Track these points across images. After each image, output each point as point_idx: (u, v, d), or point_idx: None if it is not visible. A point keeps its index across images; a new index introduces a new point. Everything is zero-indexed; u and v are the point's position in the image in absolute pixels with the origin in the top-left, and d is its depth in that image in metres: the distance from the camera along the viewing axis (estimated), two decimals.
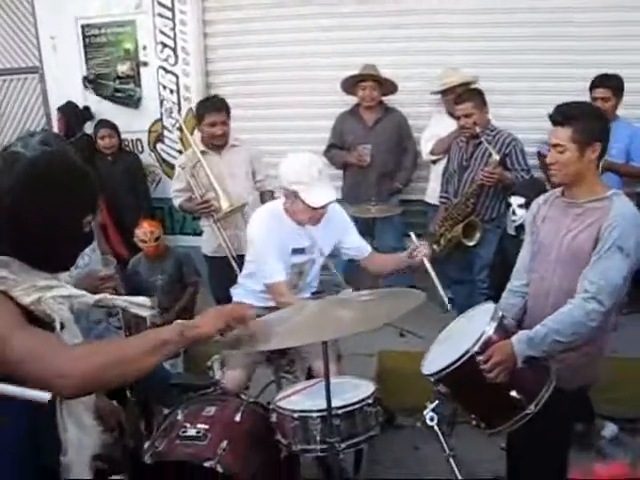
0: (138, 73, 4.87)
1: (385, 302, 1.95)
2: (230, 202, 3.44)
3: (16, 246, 1.28)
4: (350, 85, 4.20)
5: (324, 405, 1.83)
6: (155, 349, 1.30)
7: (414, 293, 1.92)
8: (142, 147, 4.98)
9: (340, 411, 1.92)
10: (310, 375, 2.55)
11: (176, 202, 3.69)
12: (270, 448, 2.05)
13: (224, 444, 1.95)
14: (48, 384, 1.16)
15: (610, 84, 3.57)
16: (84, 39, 4.92)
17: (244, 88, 4.70)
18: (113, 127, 4.55)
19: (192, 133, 3.97)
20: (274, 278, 2.48)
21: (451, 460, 2.05)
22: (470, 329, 2.05)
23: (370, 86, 4.10)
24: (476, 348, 1.91)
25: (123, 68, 4.88)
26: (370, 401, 2.00)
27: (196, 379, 2.49)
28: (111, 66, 4.90)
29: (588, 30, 4.05)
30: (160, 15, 4.71)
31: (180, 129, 4.56)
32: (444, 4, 4.30)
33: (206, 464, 1.88)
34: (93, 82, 4.95)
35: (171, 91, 4.84)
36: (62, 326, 1.30)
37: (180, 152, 4.38)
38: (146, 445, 2.00)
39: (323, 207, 2.42)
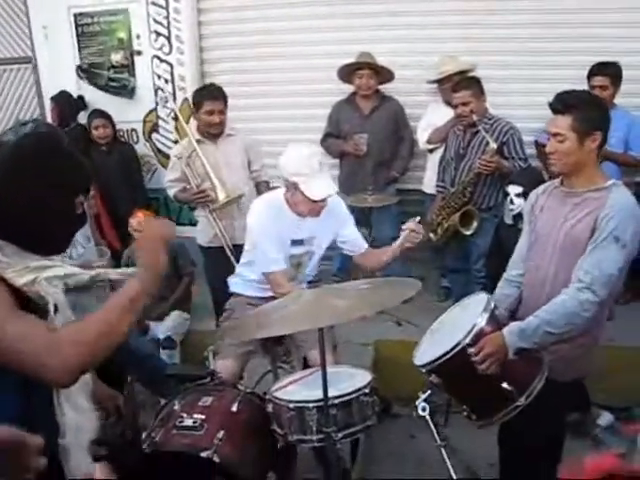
0: (132, 62, 4.81)
1: (381, 291, 1.95)
2: (227, 193, 3.41)
3: (6, 228, 1.28)
4: (346, 73, 4.16)
5: (320, 395, 1.83)
6: (129, 310, 1.28)
7: (410, 282, 1.92)
8: (137, 137, 4.94)
9: (336, 401, 1.92)
10: (306, 365, 2.54)
11: (170, 192, 3.66)
12: (267, 438, 2.05)
13: (221, 434, 1.96)
14: (42, 379, 1.16)
15: (608, 72, 3.54)
16: (77, 28, 4.85)
17: (239, 77, 4.64)
18: (107, 117, 4.50)
19: (187, 122, 3.93)
20: (273, 268, 2.47)
21: (442, 450, 2.05)
22: (462, 320, 2.04)
23: (367, 74, 4.07)
24: (468, 340, 1.91)
25: (117, 57, 4.82)
26: (367, 390, 2.00)
27: (193, 370, 2.48)
28: (105, 55, 4.84)
29: (586, 17, 4.01)
30: (154, 3, 4.65)
31: (175, 118, 4.52)
32: None
33: (203, 454, 1.89)
34: (87, 71, 4.89)
35: (166, 80, 4.79)
36: (56, 309, 1.30)
37: (175, 142, 4.34)
38: (144, 435, 2.00)
39: (323, 200, 2.41)
